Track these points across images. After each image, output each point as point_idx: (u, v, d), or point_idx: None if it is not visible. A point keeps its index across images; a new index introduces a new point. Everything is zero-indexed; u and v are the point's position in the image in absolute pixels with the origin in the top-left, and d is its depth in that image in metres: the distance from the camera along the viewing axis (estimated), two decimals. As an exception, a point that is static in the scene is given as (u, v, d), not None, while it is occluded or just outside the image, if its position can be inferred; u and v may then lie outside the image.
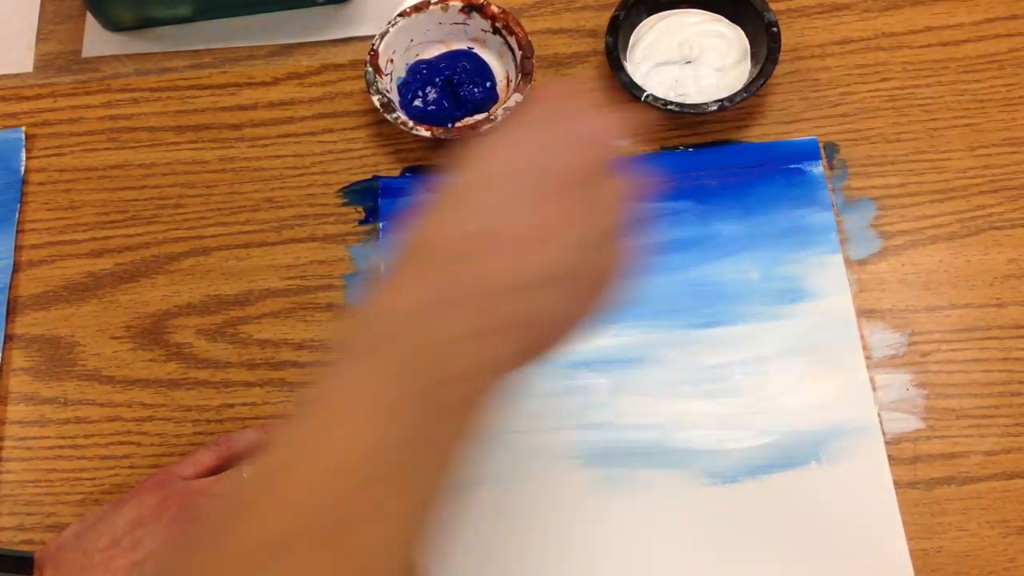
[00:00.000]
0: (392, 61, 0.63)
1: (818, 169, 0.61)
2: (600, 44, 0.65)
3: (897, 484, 0.53)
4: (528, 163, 0.35)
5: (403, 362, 0.32)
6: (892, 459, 0.54)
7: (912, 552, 0.52)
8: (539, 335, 0.35)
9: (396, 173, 0.63)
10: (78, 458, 0.57)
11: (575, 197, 0.35)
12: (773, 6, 0.62)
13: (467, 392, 0.33)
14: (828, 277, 0.58)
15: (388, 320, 0.34)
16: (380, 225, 0.61)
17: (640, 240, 0.37)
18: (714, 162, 0.62)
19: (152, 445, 0.57)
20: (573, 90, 0.39)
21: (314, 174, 0.64)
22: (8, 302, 0.61)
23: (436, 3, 0.63)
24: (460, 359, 0.33)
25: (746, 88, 0.60)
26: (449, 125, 0.62)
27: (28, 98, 0.67)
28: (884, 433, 0.54)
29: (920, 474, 0.53)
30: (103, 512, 0.47)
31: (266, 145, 0.65)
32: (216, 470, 0.51)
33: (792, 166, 0.61)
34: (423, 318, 0.33)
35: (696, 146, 0.62)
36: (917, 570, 0.51)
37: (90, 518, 0.48)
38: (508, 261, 0.33)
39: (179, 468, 0.50)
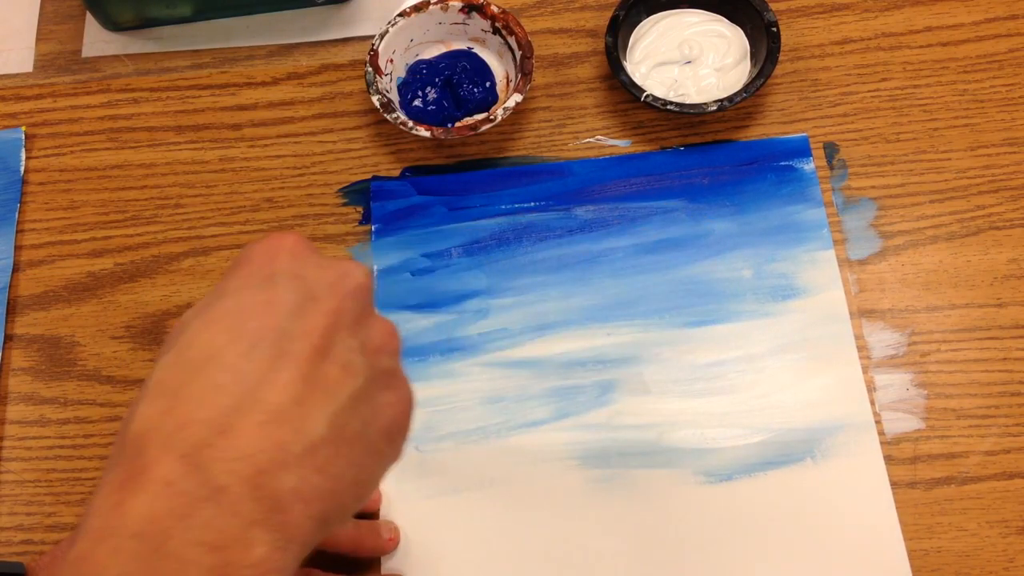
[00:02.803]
0: (392, 61, 0.63)
1: (809, 166, 0.61)
2: (600, 44, 0.65)
3: (897, 484, 0.53)
4: (272, 328, 0.32)
5: None
6: (892, 459, 0.54)
7: (912, 552, 0.52)
8: (333, 499, 0.32)
9: (396, 173, 0.63)
10: (78, 458, 0.57)
11: (341, 351, 0.32)
12: (773, 6, 0.62)
13: None
14: (821, 273, 0.58)
15: (136, 540, 0.29)
16: (372, 228, 0.61)
17: (408, 382, 0.36)
18: (705, 160, 0.62)
19: (152, 445, 0.57)
20: (280, 243, 0.35)
21: (314, 174, 0.64)
22: (8, 302, 0.61)
23: (436, 3, 0.63)
24: (249, 551, 0.30)
25: (746, 88, 0.60)
26: (449, 125, 0.62)
27: (28, 98, 0.67)
28: (884, 433, 0.54)
29: (920, 474, 0.53)
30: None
31: (266, 145, 0.65)
32: None
33: (783, 163, 0.61)
34: (186, 526, 0.29)
35: (692, 146, 0.62)
36: (917, 570, 0.51)
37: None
38: (278, 434, 0.30)
39: None
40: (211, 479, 0.30)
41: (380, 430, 0.34)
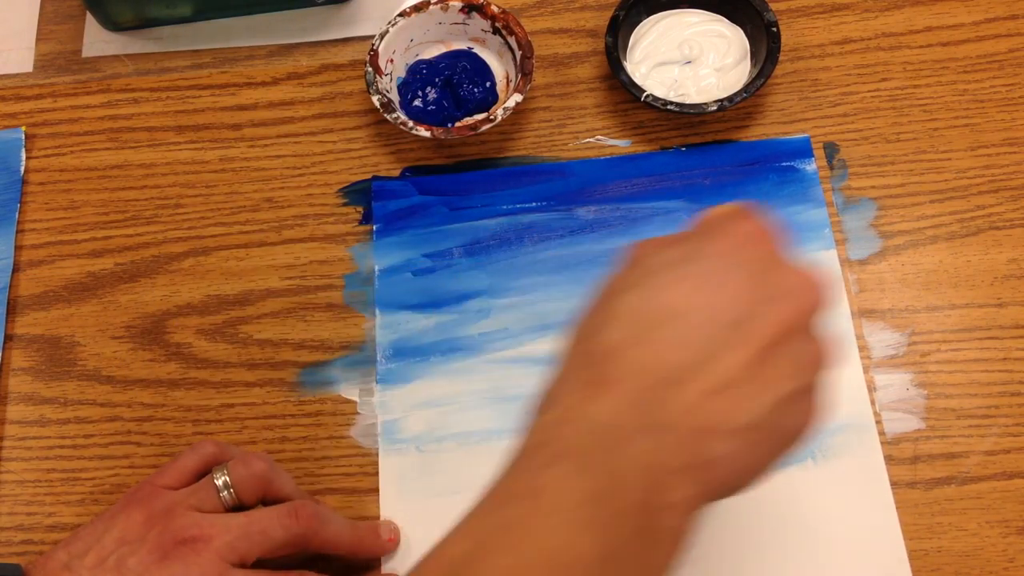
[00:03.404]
0: (392, 61, 0.63)
1: (811, 167, 0.61)
2: (600, 44, 0.65)
3: (897, 484, 0.53)
4: (737, 306, 0.35)
5: (618, 480, 0.33)
6: (892, 459, 0.54)
7: (912, 552, 0.52)
8: (737, 477, 0.36)
9: (396, 173, 0.63)
10: (78, 458, 0.57)
11: (787, 352, 0.35)
12: (773, 6, 0.62)
13: (675, 522, 0.34)
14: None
15: (595, 431, 0.34)
16: (374, 228, 0.61)
17: (825, 397, 0.38)
18: (707, 161, 0.62)
19: (152, 445, 0.57)
20: (763, 231, 0.38)
21: (314, 174, 0.64)
22: (8, 302, 0.61)
23: (436, 3, 0.63)
24: (673, 490, 0.33)
25: (746, 88, 0.60)
26: (449, 125, 0.62)
27: (28, 98, 0.67)
28: (884, 433, 0.54)
29: (920, 474, 0.53)
30: (92, 527, 0.48)
31: (266, 145, 0.65)
32: (201, 473, 0.51)
33: (785, 164, 0.61)
34: (637, 440, 0.33)
35: (692, 146, 0.62)
36: (917, 570, 0.51)
37: (81, 532, 0.48)
38: (724, 404, 0.34)
39: (162, 478, 0.50)
40: (664, 416, 0.34)
41: (791, 433, 0.37)
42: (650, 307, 0.35)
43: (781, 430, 0.36)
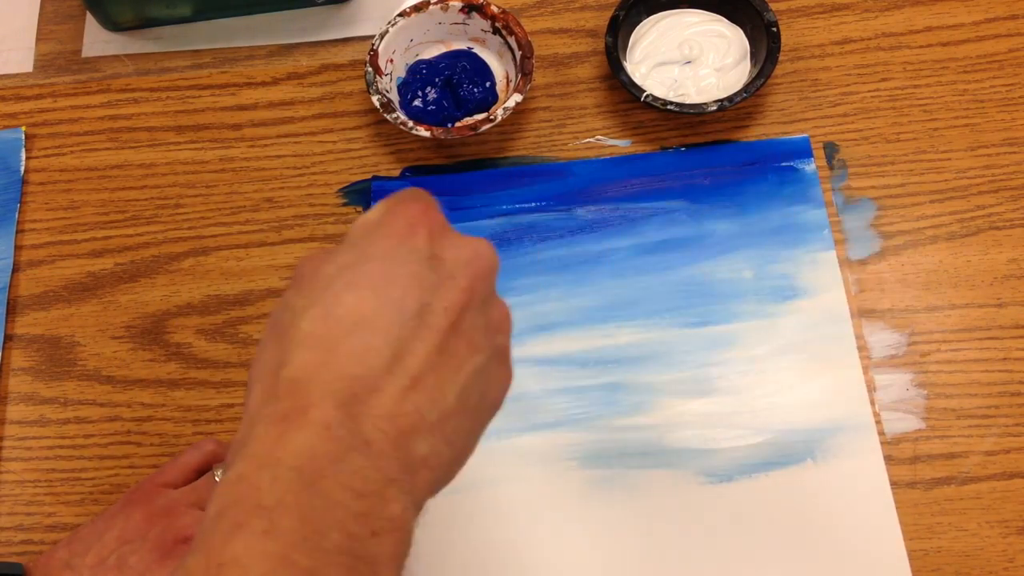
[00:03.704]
0: (392, 61, 0.63)
1: (811, 167, 0.61)
2: (600, 44, 0.65)
3: (897, 484, 0.53)
4: (414, 300, 0.34)
5: (316, 526, 0.30)
6: (892, 459, 0.54)
7: (912, 552, 0.52)
8: (449, 467, 0.35)
9: (396, 173, 0.63)
10: (78, 458, 0.57)
11: (471, 325, 0.34)
12: (773, 6, 0.62)
13: (394, 537, 0.32)
14: (822, 274, 0.58)
15: (284, 475, 0.31)
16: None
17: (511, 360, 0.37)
18: (707, 161, 0.62)
19: (152, 445, 0.57)
20: (420, 216, 0.37)
21: (314, 174, 0.64)
22: (8, 302, 0.61)
23: (436, 3, 0.63)
24: (389, 504, 0.32)
25: (745, 88, 0.60)
26: (449, 125, 0.62)
27: (28, 98, 0.67)
28: (884, 433, 0.54)
29: (920, 474, 0.53)
30: (93, 525, 0.48)
31: (266, 145, 0.65)
32: (201, 471, 0.51)
33: (784, 164, 0.61)
34: (339, 468, 0.31)
35: (692, 146, 0.62)
36: (917, 570, 0.51)
37: (81, 531, 0.48)
38: (421, 397, 0.33)
39: (163, 476, 0.50)
40: (362, 432, 0.32)
41: (490, 404, 0.36)
42: (329, 322, 0.33)
43: (481, 404, 0.35)
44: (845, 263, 0.58)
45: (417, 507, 0.33)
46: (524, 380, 0.57)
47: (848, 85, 0.63)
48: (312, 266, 0.36)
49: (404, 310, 0.33)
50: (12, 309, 0.61)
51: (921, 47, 0.64)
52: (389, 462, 0.32)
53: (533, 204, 0.61)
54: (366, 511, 0.31)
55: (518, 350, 0.59)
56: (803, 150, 0.61)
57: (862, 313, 0.57)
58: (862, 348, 0.56)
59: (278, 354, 0.34)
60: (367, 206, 0.62)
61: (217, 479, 0.49)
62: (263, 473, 0.31)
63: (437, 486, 0.34)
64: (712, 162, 0.62)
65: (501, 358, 0.36)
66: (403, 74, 0.64)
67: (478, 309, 0.35)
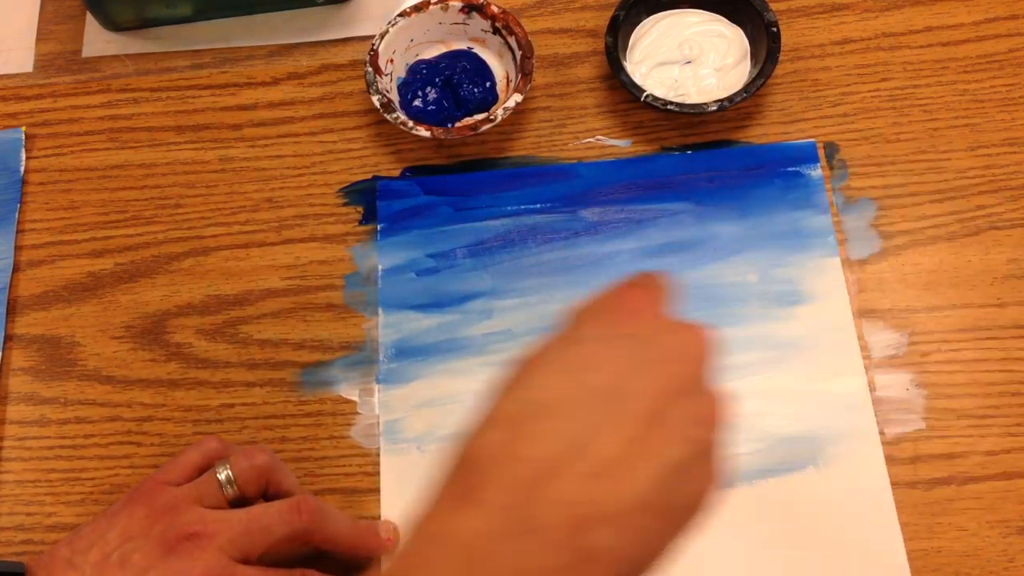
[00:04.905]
0: (392, 61, 0.63)
1: (816, 172, 0.61)
2: (600, 44, 0.65)
3: (897, 484, 0.53)
4: (610, 385, 0.33)
5: None
6: (892, 459, 0.54)
7: (912, 552, 0.52)
8: (629, 566, 0.33)
9: (396, 173, 0.63)
10: (78, 458, 0.57)
11: (671, 417, 0.33)
12: (773, 6, 0.62)
13: None
14: (826, 280, 0.58)
15: (458, 550, 0.32)
16: (378, 227, 0.61)
17: (724, 460, 0.35)
18: (712, 164, 0.62)
19: (152, 445, 0.57)
20: (647, 295, 0.37)
21: (314, 174, 0.64)
22: (8, 302, 0.61)
23: (436, 3, 0.63)
24: None
25: (746, 88, 0.60)
26: (449, 125, 0.62)
27: (28, 98, 0.67)
28: (884, 433, 0.54)
29: (920, 474, 0.53)
30: (95, 523, 0.48)
31: (266, 145, 0.65)
32: (203, 469, 0.51)
33: (790, 169, 0.61)
34: (507, 548, 0.31)
35: (695, 147, 0.62)
36: (917, 570, 0.51)
37: (84, 529, 0.48)
38: (603, 486, 0.32)
39: (166, 474, 0.50)
40: (535, 515, 0.31)
41: (687, 505, 0.34)
42: (522, 404, 0.33)
43: (675, 504, 0.33)
44: (845, 263, 0.59)
45: None
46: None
47: (848, 85, 0.63)
48: (531, 356, 0.35)
49: (598, 397, 0.33)
50: (12, 309, 0.61)
51: (921, 47, 0.64)
52: (560, 550, 0.31)
53: (537, 205, 0.61)
54: None
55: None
56: (809, 155, 0.61)
57: (862, 313, 0.57)
58: (862, 348, 0.56)
59: (474, 429, 0.34)
60: (368, 206, 0.62)
61: (219, 476, 0.49)
62: (434, 549, 0.32)
63: None
64: (717, 165, 0.62)
65: (705, 455, 0.34)
66: (403, 74, 0.64)
67: (683, 398, 0.34)
